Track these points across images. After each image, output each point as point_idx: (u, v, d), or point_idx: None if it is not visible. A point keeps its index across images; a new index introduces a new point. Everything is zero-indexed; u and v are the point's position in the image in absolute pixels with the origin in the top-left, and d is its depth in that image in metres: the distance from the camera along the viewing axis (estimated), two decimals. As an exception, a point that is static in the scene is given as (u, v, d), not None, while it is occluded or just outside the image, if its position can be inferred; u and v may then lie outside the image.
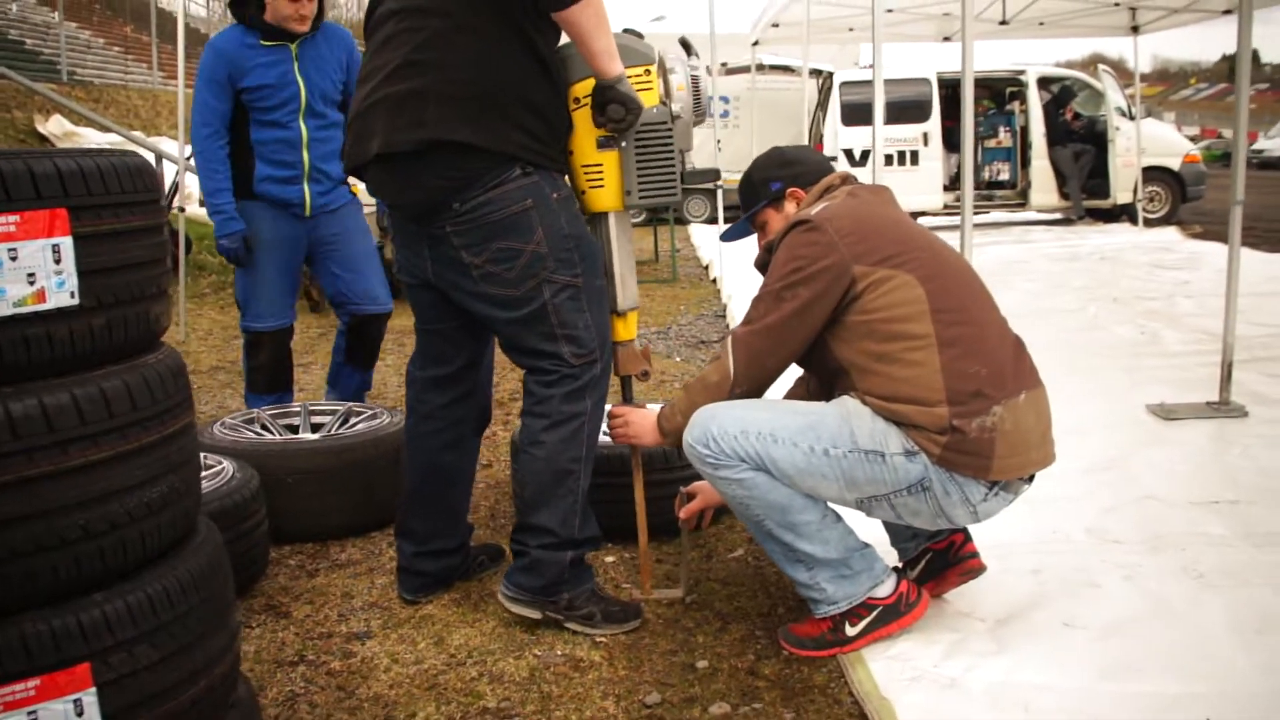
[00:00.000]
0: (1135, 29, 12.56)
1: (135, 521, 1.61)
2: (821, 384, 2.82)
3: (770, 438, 2.56)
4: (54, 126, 13.89)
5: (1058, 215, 14.97)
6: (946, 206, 14.07)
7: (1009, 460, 2.49)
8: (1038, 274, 9.77)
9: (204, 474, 3.26)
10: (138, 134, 12.26)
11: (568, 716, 2.45)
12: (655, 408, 2.92)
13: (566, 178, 2.87)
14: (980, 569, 2.85)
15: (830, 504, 2.65)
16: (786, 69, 17.51)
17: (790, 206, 2.85)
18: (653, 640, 2.81)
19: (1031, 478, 2.62)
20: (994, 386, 2.49)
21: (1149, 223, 13.67)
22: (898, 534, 2.96)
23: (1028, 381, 2.59)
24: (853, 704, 2.47)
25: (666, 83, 2.92)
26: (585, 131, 2.82)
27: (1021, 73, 14.50)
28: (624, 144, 2.82)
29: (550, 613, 2.85)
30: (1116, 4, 11.53)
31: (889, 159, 13.74)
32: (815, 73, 14.81)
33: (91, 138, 14.08)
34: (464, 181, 2.66)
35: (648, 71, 2.85)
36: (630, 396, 3.09)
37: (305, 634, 2.91)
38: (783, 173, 2.90)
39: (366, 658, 2.76)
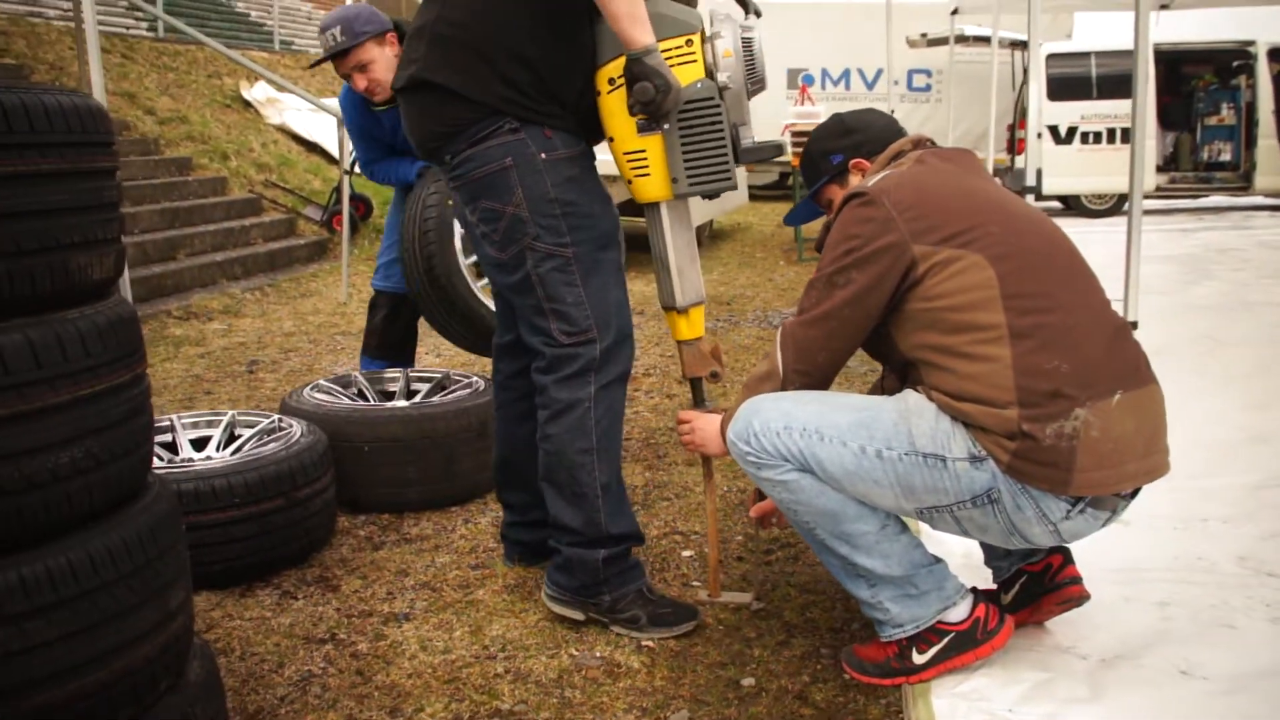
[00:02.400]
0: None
1: (35, 489, 1.47)
2: (897, 379, 2.50)
3: (816, 434, 2.25)
4: (258, 93, 14.43)
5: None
6: (1160, 189, 13.11)
7: (1093, 474, 2.09)
8: (1249, 262, 8.92)
9: (269, 437, 3.20)
10: (329, 100, 12.57)
11: (582, 727, 2.24)
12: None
13: (555, 131, 2.55)
14: (1081, 597, 2.47)
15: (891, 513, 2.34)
16: (988, 40, 16.67)
17: (855, 179, 2.53)
18: (704, 648, 2.56)
19: (1135, 493, 2.23)
20: (1077, 385, 2.10)
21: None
22: (991, 550, 2.61)
23: (1128, 379, 2.16)
24: (905, 746, 2.16)
25: (713, 50, 2.58)
26: (624, 116, 2.54)
27: (1250, 44, 13.31)
28: (666, 126, 2.54)
29: (593, 614, 2.65)
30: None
31: (1097, 136, 13.04)
32: (1017, 44, 14.02)
33: (291, 103, 14.62)
34: (450, 131, 2.53)
35: (689, 42, 2.54)
36: (702, 399, 2.79)
37: (346, 610, 2.78)
38: (843, 142, 2.58)
39: (397, 641, 2.60)
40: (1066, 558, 2.50)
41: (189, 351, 6.30)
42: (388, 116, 4.07)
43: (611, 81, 2.55)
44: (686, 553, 3.16)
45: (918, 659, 2.33)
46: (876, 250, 2.23)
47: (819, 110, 12.73)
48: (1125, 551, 2.89)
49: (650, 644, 2.57)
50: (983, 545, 2.61)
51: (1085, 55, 13.48)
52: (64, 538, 1.54)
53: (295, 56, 17.26)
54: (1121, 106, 13.04)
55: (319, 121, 14.03)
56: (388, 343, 4.39)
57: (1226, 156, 13.70)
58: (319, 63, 4.01)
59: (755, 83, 2.66)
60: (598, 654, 2.53)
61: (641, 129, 2.56)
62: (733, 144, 2.58)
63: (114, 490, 1.63)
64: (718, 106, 2.55)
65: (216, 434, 3.32)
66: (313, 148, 13.43)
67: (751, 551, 3.13)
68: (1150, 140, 13.16)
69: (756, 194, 16.09)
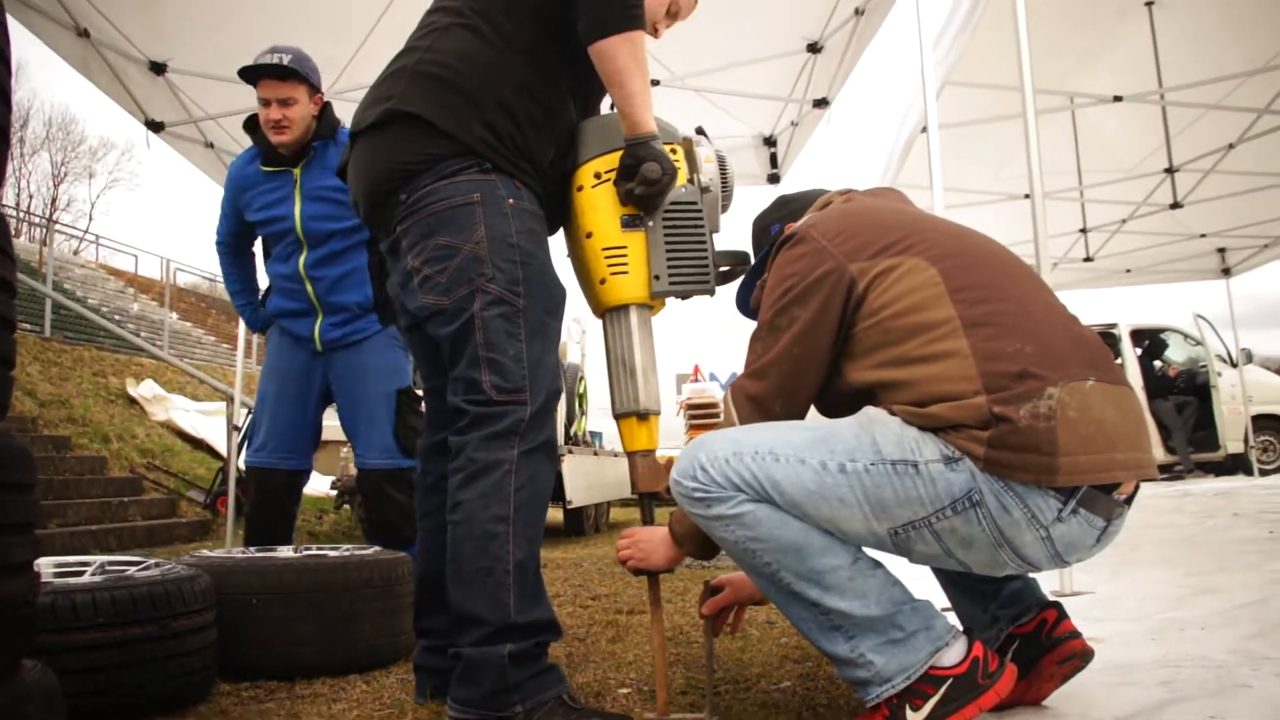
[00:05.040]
0: (1227, 271, 12.20)
1: None
2: None
3: (770, 455, 2.01)
4: (145, 390, 14.20)
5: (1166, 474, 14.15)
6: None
7: (1080, 458, 1.85)
8: (1144, 508, 8.98)
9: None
10: (222, 385, 12.37)
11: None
12: None
13: (524, 187, 2.44)
14: (1086, 653, 2.19)
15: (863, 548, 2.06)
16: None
17: None
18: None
19: (1130, 499, 2.00)
20: (1045, 365, 1.91)
21: (1265, 473, 12.79)
22: (966, 601, 2.33)
23: (1100, 369, 1.97)
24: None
25: (693, 158, 2.58)
26: (608, 209, 2.47)
27: (1113, 326, 14.11)
28: (651, 223, 2.47)
29: None
30: (1204, 236, 11.17)
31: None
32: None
33: (179, 404, 14.40)
34: (415, 167, 2.36)
35: (674, 151, 2.53)
36: (652, 518, 2.56)
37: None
38: (779, 214, 2.56)
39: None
40: (1061, 612, 2.23)
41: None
42: (270, 185, 4.01)
43: (598, 175, 2.49)
44: (623, 690, 2.77)
45: (913, 717, 1.99)
46: (814, 281, 2.10)
47: (711, 387, 12.95)
48: (1109, 655, 2.63)
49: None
50: (953, 598, 2.34)
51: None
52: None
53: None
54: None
55: (207, 422, 13.78)
56: (260, 531, 4.04)
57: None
58: (250, 70, 3.87)
59: (727, 196, 2.65)
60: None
61: (626, 224, 2.47)
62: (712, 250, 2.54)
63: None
64: (700, 210, 2.53)
65: (88, 572, 2.87)
66: (199, 444, 13.09)
67: (696, 687, 2.76)
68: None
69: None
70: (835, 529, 2.00)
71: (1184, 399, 13.61)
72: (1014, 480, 1.87)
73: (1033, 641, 2.21)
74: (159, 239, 78.05)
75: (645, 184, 2.37)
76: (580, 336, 18.11)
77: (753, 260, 2.61)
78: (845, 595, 1.99)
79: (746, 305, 2.62)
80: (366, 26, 5.72)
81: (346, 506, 9.79)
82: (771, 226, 2.55)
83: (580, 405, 12.64)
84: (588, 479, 10.40)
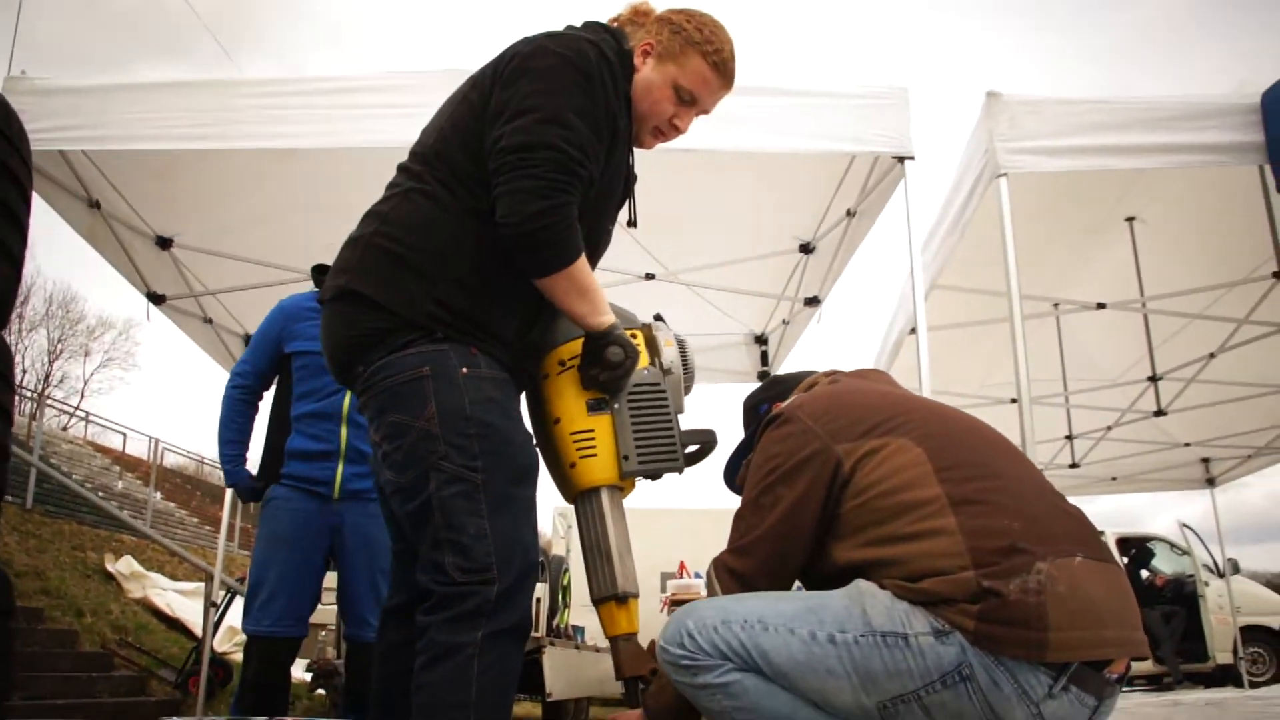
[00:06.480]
0: (1211, 481, 12.27)
1: None
2: None
3: (759, 624, 2.02)
4: (123, 566, 13.99)
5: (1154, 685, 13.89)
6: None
7: (1070, 634, 1.86)
8: (1133, 715, 8.77)
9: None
10: (202, 563, 12.22)
11: None
12: None
13: (482, 353, 2.38)
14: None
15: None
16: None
17: None
18: None
19: (1123, 678, 1.99)
20: (1033, 541, 1.94)
21: (1255, 685, 12.55)
22: None
23: (1088, 546, 2.00)
24: None
25: (654, 342, 2.66)
26: (574, 395, 2.54)
27: (1100, 534, 14.03)
28: (616, 406, 2.54)
29: None
30: (1188, 445, 11.28)
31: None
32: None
33: (159, 582, 14.18)
34: (368, 341, 2.33)
35: (635, 335, 2.61)
36: (638, 703, 2.50)
37: None
38: (769, 394, 2.65)
39: None
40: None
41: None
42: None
43: (562, 364, 2.55)
44: None
45: None
46: (800, 462, 2.15)
47: (696, 583, 12.80)
48: None
49: None
50: None
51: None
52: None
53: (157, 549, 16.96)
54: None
55: (184, 602, 13.55)
56: (263, 701, 3.92)
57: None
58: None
59: (689, 377, 2.71)
60: None
61: (591, 408, 2.53)
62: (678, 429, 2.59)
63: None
64: (664, 390, 2.59)
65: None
66: (174, 624, 12.83)
67: None
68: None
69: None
70: (824, 701, 1.99)
71: (1172, 608, 13.48)
72: (1004, 655, 1.88)
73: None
74: (149, 419, 78.06)
75: (608, 368, 2.43)
76: (565, 531, 18.00)
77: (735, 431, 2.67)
78: (832, 771, 1.96)
79: (734, 481, 2.67)
80: (365, 208, 5.85)
81: (322, 691, 9.53)
82: (760, 406, 2.63)
83: (564, 598, 12.46)
84: (569, 672, 10.14)
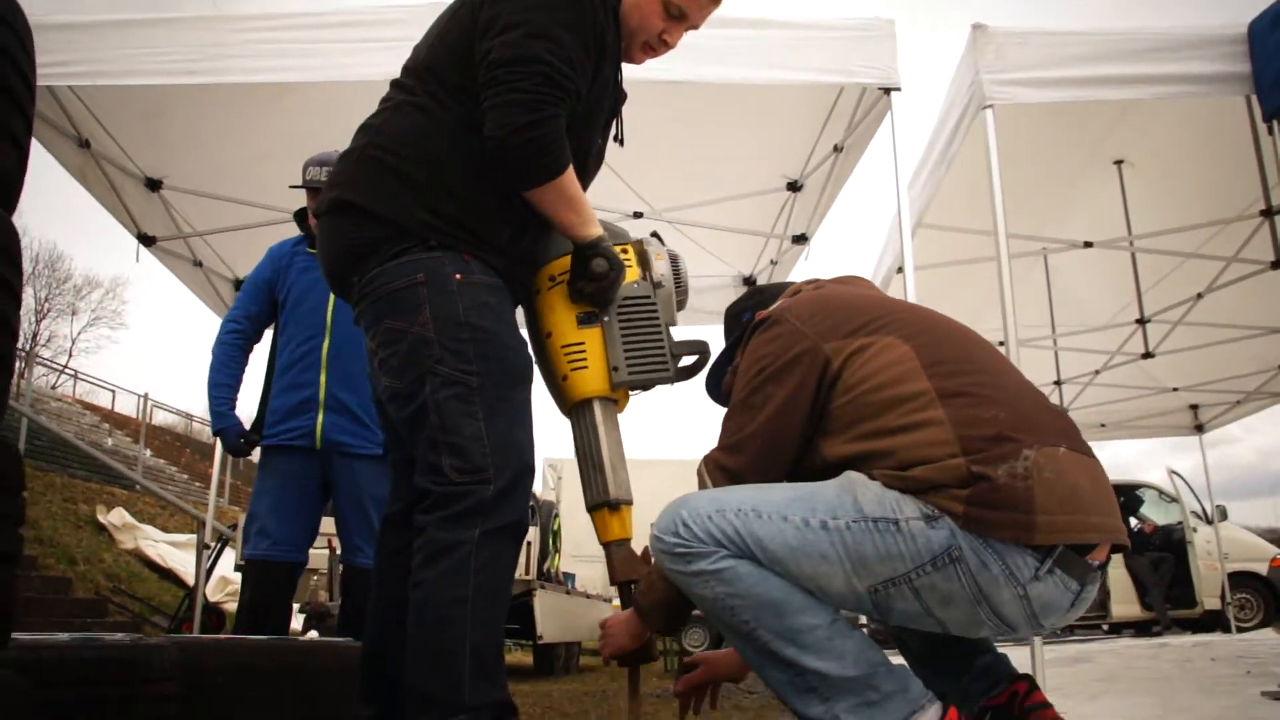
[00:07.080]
0: (1200, 427, 12.36)
1: None
2: None
3: (753, 512, 2.05)
4: (114, 518, 14.05)
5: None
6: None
7: (1058, 517, 1.91)
8: (1121, 654, 8.91)
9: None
10: (194, 511, 12.26)
11: None
12: None
13: (475, 259, 2.40)
14: (1057, 722, 2.19)
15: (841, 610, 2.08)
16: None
17: None
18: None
19: (1104, 566, 2.04)
20: (1020, 430, 1.98)
21: (1242, 630, 12.71)
22: (937, 678, 2.33)
23: (1071, 439, 2.05)
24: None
25: (645, 256, 2.69)
26: (564, 310, 2.58)
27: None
28: (606, 319, 2.57)
29: None
30: (1176, 390, 11.35)
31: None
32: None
33: (151, 534, 14.25)
34: (362, 251, 2.37)
35: (625, 251, 2.64)
36: (630, 605, 2.56)
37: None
38: (749, 302, 2.67)
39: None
40: (1032, 684, 2.24)
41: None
42: (309, 264, 4.17)
43: (552, 279, 2.58)
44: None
45: (885, 779, 1.98)
46: (790, 361, 2.18)
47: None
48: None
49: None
50: (933, 682, 2.34)
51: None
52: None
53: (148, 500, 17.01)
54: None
55: (175, 553, 13.61)
56: (257, 623, 3.99)
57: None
58: (305, 186, 4.15)
59: (681, 292, 2.73)
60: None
61: (581, 322, 2.56)
62: (669, 341, 2.62)
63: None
64: (654, 302, 2.62)
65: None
66: (166, 574, 12.90)
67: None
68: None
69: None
70: (816, 587, 2.02)
71: (1160, 555, 13.63)
72: (992, 537, 1.92)
73: (1005, 713, 2.22)
74: (138, 379, 77.92)
75: (594, 279, 2.46)
76: (556, 482, 18.09)
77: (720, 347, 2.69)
78: (822, 655, 2.00)
79: (718, 390, 2.68)
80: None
81: (314, 632, 9.63)
82: (743, 314, 2.63)
83: (554, 543, 12.55)
84: (560, 615, 10.27)
